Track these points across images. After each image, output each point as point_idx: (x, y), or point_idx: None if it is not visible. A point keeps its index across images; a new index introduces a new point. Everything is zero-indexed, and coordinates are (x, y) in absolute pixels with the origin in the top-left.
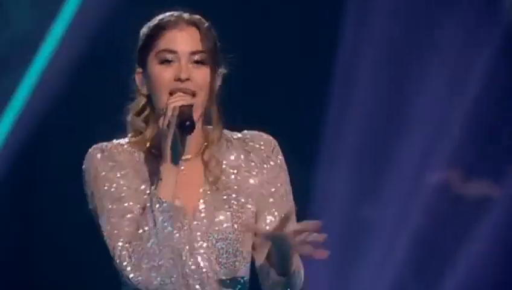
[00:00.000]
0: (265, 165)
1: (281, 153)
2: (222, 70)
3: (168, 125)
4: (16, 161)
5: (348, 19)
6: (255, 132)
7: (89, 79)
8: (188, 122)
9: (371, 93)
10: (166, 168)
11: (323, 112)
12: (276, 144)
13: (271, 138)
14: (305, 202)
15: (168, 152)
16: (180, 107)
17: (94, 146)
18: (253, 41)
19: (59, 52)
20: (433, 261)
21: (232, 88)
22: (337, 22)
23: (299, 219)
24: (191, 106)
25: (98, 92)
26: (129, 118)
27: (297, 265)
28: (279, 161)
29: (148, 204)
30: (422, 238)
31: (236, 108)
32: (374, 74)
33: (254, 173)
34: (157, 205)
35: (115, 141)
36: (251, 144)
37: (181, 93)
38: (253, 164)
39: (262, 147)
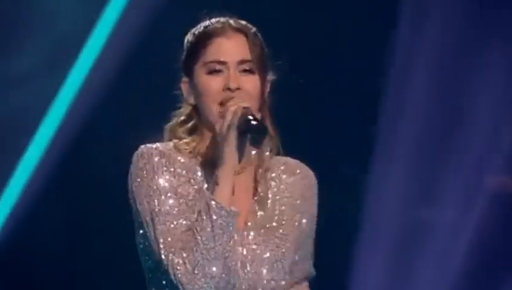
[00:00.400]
0: (306, 197)
1: (317, 193)
2: (271, 77)
3: (228, 128)
4: (61, 164)
5: (404, 17)
6: (299, 162)
7: (136, 81)
8: (253, 121)
9: (428, 93)
10: (224, 173)
11: (379, 112)
12: (316, 182)
13: (312, 173)
14: (359, 203)
15: (228, 156)
16: (243, 108)
17: (148, 146)
18: (308, 42)
19: (105, 52)
20: (492, 266)
21: (288, 89)
22: (393, 20)
23: (353, 222)
24: (249, 110)
25: (145, 94)
26: (171, 125)
27: None
28: (315, 201)
29: (203, 208)
30: (481, 242)
31: (292, 109)
32: (431, 74)
33: (297, 199)
34: (215, 209)
35: (163, 145)
36: (298, 171)
37: (239, 98)
38: (298, 192)
39: (307, 180)
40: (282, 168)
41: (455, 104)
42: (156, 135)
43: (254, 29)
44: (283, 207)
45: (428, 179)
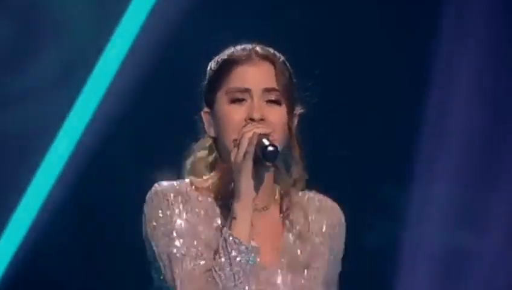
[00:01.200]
0: (334, 235)
1: (344, 228)
2: (299, 110)
3: (244, 156)
4: (73, 189)
5: (445, 30)
6: (327, 199)
7: (155, 103)
8: (270, 147)
9: (473, 111)
10: (241, 206)
11: (419, 126)
12: (343, 217)
13: (341, 211)
14: (397, 228)
15: (244, 187)
16: (259, 135)
17: (162, 184)
18: (347, 56)
19: (123, 67)
20: None
21: (324, 108)
22: (434, 34)
23: (392, 245)
24: (267, 136)
25: (164, 117)
26: (191, 162)
27: None
28: (342, 235)
29: (221, 245)
30: None
31: (330, 127)
32: (475, 89)
33: (322, 236)
34: (233, 245)
35: (178, 182)
36: (323, 207)
37: (256, 123)
38: (324, 227)
39: (335, 217)
40: (311, 205)
41: (502, 121)
42: (175, 161)
43: (282, 58)
44: (310, 246)
45: (473, 202)
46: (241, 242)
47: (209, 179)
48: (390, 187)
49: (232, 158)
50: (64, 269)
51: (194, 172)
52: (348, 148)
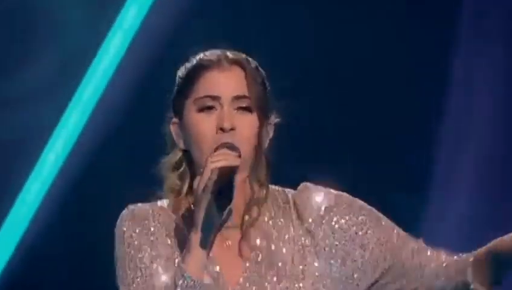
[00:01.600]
0: (308, 240)
1: (354, 205)
2: (274, 119)
3: (204, 189)
4: (66, 197)
5: (464, 36)
6: (312, 190)
7: (154, 100)
8: (224, 194)
9: (493, 117)
10: (197, 238)
11: (439, 133)
12: (344, 199)
13: (332, 194)
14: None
15: (199, 220)
16: (220, 169)
17: (129, 206)
18: (368, 67)
19: (123, 67)
20: None
21: (340, 112)
22: (452, 39)
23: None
24: (233, 168)
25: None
26: (164, 175)
27: None
28: (360, 218)
29: (171, 279)
30: None
31: (346, 134)
32: (495, 97)
33: (311, 244)
34: (181, 281)
35: (154, 203)
36: (303, 206)
37: (227, 151)
38: (304, 237)
39: (316, 210)
40: (284, 211)
41: None
42: None
43: (255, 63)
44: (281, 266)
45: (493, 214)
46: (190, 277)
47: (180, 197)
48: (406, 199)
49: (195, 187)
50: (60, 272)
51: (169, 189)
52: (364, 158)
